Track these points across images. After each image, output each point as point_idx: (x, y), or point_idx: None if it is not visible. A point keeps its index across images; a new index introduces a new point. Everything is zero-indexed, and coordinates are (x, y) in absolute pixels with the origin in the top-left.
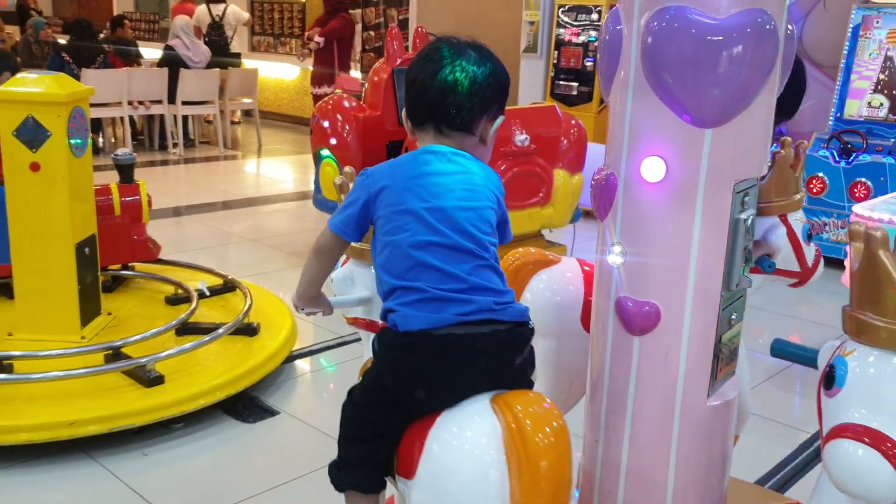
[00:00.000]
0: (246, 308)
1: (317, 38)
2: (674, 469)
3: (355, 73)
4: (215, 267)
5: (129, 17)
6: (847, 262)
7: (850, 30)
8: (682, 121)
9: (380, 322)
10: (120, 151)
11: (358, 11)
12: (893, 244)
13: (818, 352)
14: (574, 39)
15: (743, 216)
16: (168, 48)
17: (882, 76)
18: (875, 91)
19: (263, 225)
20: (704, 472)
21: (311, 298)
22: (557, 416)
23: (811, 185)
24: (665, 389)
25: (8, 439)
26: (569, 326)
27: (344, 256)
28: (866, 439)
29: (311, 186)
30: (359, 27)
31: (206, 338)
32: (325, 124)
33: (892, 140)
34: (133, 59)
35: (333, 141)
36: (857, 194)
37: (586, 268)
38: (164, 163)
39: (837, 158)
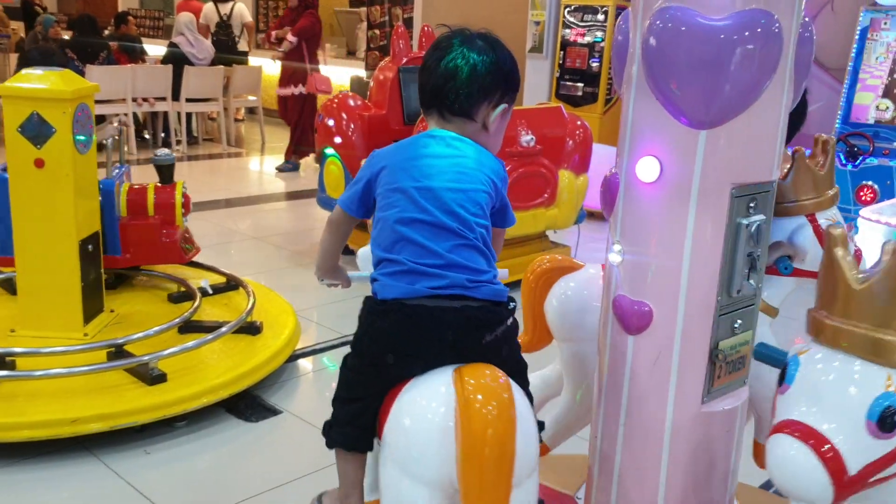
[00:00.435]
0: (249, 307)
1: (290, 38)
2: (665, 472)
3: (325, 69)
4: (218, 265)
5: (134, 14)
6: None
7: (857, 32)
8: (677, 121)
9: None
10: (160, 152)
11: (363, 10)
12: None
13: (787, 354)
14: (580, 40)
15: (746, 221)
16: (172, 45)
17: (890, 79)
18: (884, 95)
19: (266, 223)
20: (699, 478)
21: (329, 270)
22: (506, 391)
23: None
24: (657, 391)
25: (10, 436)
26: (591, 331)
27: None
28: (800, 435)
29: (315, 185)
30: (364, 25)
31: (209, 336)
32: (330, 123)
33: None
34: (137, 56)
35: (338, 140)
36: (863, 197)
37: None
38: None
39: (844, 161)
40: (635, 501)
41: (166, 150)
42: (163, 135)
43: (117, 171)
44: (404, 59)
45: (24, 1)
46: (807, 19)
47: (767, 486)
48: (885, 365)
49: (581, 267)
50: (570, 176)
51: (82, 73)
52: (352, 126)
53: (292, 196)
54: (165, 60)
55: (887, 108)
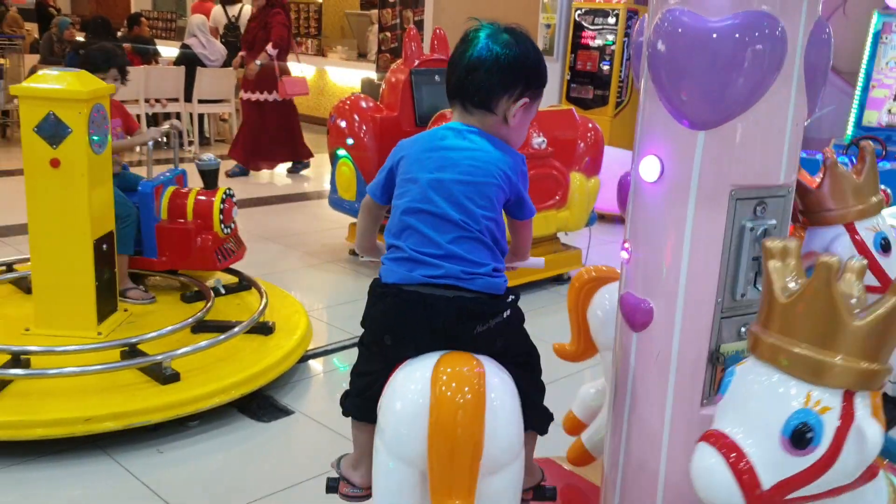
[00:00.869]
0: (261, 307)
1: (269, 51)
2: (664, 472)
3: (298, 67)
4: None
5: (147, 16)
6: None
7: (870, 36)
8: (677, 122)
9: None
10: (204, 156)
11: (374, 12)
12: None
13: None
14: (590, 43)
15: (751, 225)
16: (184, 47)
17: None
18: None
19: (278, 224)
20: None
21: (367, 249)
22: (477, 381)
23: None
24: (657, 390)
25: (23, 434)
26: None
27: None
28: (719, 446)
29: (326, 186)
30: (374, 28)
31: (222, 336)
32: (343, 124)
33: None
34: (150, 58)
35: (350, 141)
36: None
37: None
38: (180, 160)
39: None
40: (635, 500)
41: (211, 156)
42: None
43: (169, 173)
44: (416, 62)
45: (38, 2)
46: (822, 21)
47: None
48: (807, 381)
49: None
50: (581, 178)
51: None
52: (364, 128)
53: (304, 197)
54: (178, 62)
55: None
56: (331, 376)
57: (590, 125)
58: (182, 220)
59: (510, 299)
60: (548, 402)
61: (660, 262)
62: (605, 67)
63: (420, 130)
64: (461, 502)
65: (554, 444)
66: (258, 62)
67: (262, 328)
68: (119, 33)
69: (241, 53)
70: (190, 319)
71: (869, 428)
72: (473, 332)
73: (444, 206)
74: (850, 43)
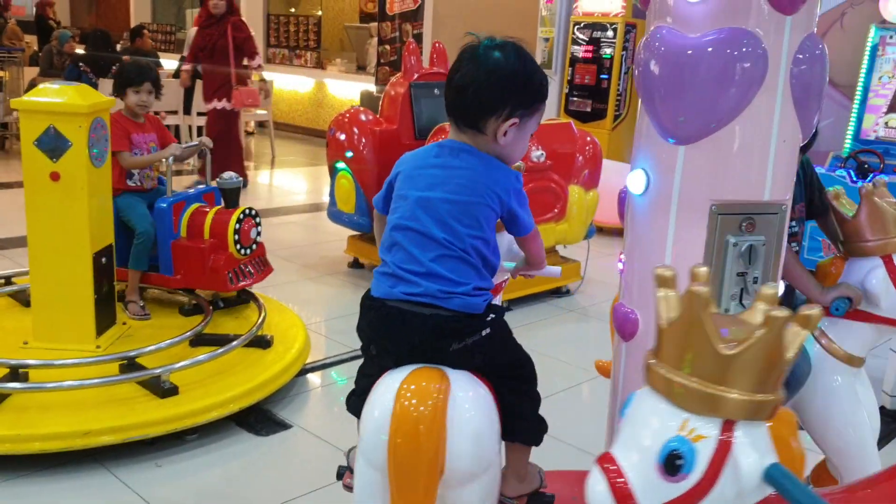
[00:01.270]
0: (259, 320)
1: (254, 64)
2: None
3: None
4: None
5: (147, 28)
6: None
7: (867, 49)
8: (661, 136)
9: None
10: (226, 175)
11: (374, 25)
12: None
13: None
14: (588, 56)
15: (734, 240)
16: (184, 59)
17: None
18: (890, 111)
19: (276, 237)
20: None
21: None
22: (436, 396)
23: None
24: None
25: (21, 448)
26: None
27: None
28: (605, 469)
29: (325, 198)
30: (374, 41)
31: (220, 350)
32: (342, 137)
33: None
34: None
35: (349, 154)
36: None
37: None
38: (178, 173)
39: (854, 178)
40: None
41: (233, 174)
42: None
43: (195, 190)
44: (416, 75)
45: (38, 15)
46: (814, 37)
47: None
48: (685, 410)
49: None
50: (579, 191)
51: (96, 87)
52: (363, 140)
53: (302, 210)
54: (177, 74)
55: None
56: (329, 390)
57: (588, 138)
58: (199, 239)
59: (490, 318)
60: (545, 415)
61: (645, 274)
62: (604, 81)
63: (419, 143)
64: None
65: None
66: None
67: (261, 342)
68: (119, 46)
69: (184, 68)
70: (188, 333)
71: (744, 460)
72: (449, 349)
73: (428, 225)
74: (848, 56)
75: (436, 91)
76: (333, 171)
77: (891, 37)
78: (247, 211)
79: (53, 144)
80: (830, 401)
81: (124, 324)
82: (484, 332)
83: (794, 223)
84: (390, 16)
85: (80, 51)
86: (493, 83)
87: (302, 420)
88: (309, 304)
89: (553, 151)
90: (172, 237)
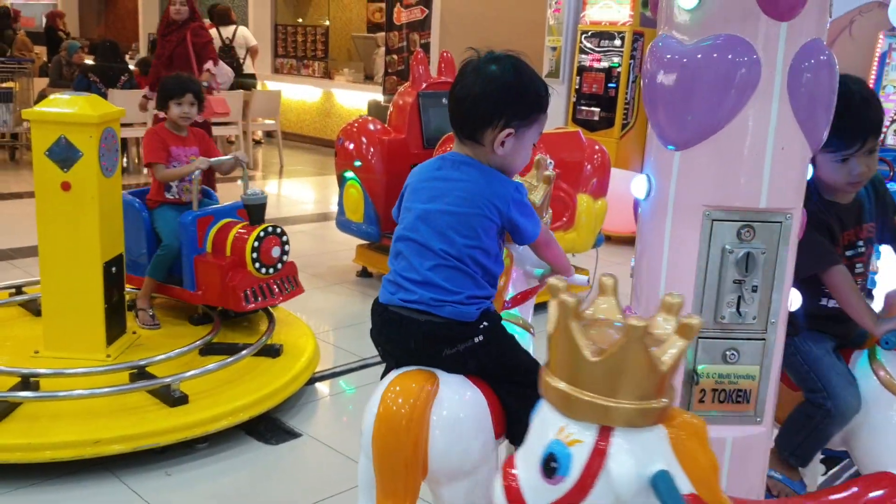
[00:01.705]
0: (269, 329)
1: (213, 69)
2: None
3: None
4: None
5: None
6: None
7: (877, 57)
8: (660, 142)
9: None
10: (251, 191)
11: (381, 35)
12: None
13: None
14: (596, 65)
15: (730, 247)
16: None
17: None
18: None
19: None
20: None
21: None
22: (419, 397)
23: None
24: None
25: (32, 457)
26: None
27: None
28: (505, 473)
29: (333, 207)
30: (381, 50)
31: (230, 359)
32: (350, 146)
33: None
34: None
35: (358, 163)
36: None
37: None
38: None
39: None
40: None
41: (258, 190)
42: None
43: (228, 206)
44: (424, 85)
45: (48, 26)
46: (818, 43)
47: None
48: (565, 415)
49: None
50: (588, 200)
51: (106, 97)
52: (371, 150)
53: (311, 219)
54: None
55: None
56: (338, 399)
57: (596, 147)
58: (221, 256)
59: (483, 326)
60: None
61: (647, 277)
62: (612, 90)
63: (428, 153)
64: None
65: None
66: (204, 84)
67: (270, 351)
68: (128, 56)
69: (145, 89)
70: (198, 342)
71: (616, 466)
72: (442, 354)
73: (427, 236)
74: (857, 64)
75: (444, 100)
76: (342, 181)
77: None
78: (269, 229)
79: (64, 154)
80: (884, 437)
81: (134, 333)
82: (476, 339)
83: (861, 243)
84: (398, 25)
85: (89, 61)
86: (489, 94)
87: (311, 429)
88: (318, 314)
89: (561, 160)
90: (196, 252)
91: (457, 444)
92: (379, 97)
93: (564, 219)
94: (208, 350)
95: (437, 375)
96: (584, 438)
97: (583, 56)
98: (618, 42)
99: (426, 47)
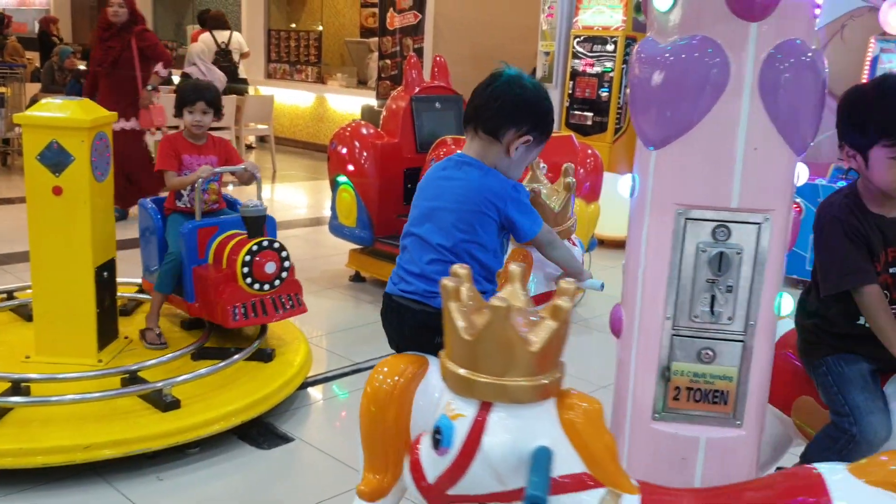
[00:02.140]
0: (261, 334)
1: (162, 72)
2: None
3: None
4: None
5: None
6: None
7: (868, 61)
8: (641, 142)
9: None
10: (249, 202)
11: (374, 40)
12: None
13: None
14: (589, 70)
15: (703, 246)
16: (185, 75)
17: None
18: None
19: None
20: None
21: None
22: (403, 375)
23: None
24: (623, 394)
25: (23, 462)
26: None
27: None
28: (414, 443)
29: (326, 212)
30: (374, 55)
31: (222, 363)
32: (343, 151)
33: None
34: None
35: (351, 167)
36: None
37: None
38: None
39: None
40: None
41: (256, 202)
42: None
43: (235, 218)
44: (417, 89)
45: (41, 31)
46: (794, 44)
47: None
48: (453, 391)
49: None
50: (581, 204)
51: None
52: (364, 154)
53: (304, 224)
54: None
55: None
56: (331, 403)
57: (589, 151)
58: (219, 268)
59: None
60: None
61: (630, 275)
62: (604, 94)
63: (421, 157)
64: (379, 477)
65: None
66: (149, 87)
67: (262, 355)
68: None
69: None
70: (190, 346)
71: (489, 440)
72: (434, 342)
73: (428, 231)
74: (849, 68)
75: (437, 105)
76: (335, 185)
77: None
78: (265, 243)
79: (56, 159)
80: None
81: (126, 338)
82: None
83: None
84: (391, 30)
85: (81, 66)
86: (522, 101)
87: (304, 433)
88: (310, 318)
89: (554, 164)
90: (195, 263)
91: None
92: (372, 102)
93: None
94: (200, 354)
95: (429, 360)
96: (466, 413)
97: (576, 61)
98: (610, 47)
99: (419, 52)
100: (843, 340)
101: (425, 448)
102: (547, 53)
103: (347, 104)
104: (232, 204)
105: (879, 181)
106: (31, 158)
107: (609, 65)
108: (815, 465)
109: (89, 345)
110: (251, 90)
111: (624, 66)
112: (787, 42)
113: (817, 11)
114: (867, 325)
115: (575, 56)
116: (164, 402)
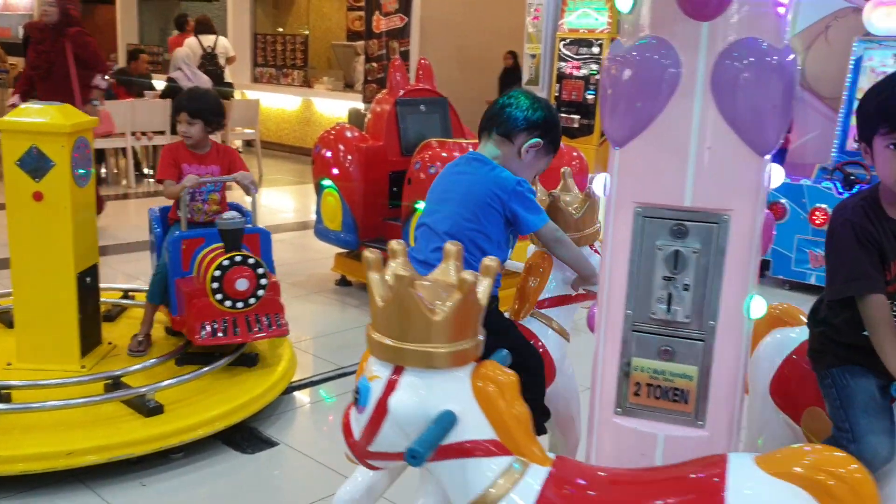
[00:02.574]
0: None
1: (101, 84)
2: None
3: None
4: None
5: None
6: None
7: (851, 62)
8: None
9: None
10: (226, 214)
11: (361, 43)
12: None
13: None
14: (575, 73)
15: (660, 244)
16: (170, 80)
17: None
18: None
19: None
20: None
21: None
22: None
23: (814, 217)
24: (594, 388)
25: (5, 469)
26: (757, 387)
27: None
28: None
29: (312, 216)
30: (361, 58)
31: (206, 368)
32: (328, 154)
33: None
34: (135, 91)
35: (335, 171)
36: None
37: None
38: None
39: (840, 189)
40: None
41: (235, 214)
42: None
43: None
44: (401, 92)
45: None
46: (751, 42)
47: None
48: (375, 356)
49: (792, 325)
50: None
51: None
52: (349, 157)
53: (290, 228)
54: (164, 95)
55: None
56: (316, 407)
57: (574, 154)
58: (198, 281)
59: None
60: None
61: (602, 273)
62: (590, 97)
63: (405, 160)
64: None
65: None
66: (94, 102)
67: (246, 360)
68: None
69: (14, 97)
70: (174, 351)
71: (395, 401)
72: None
73: (436, 220)
74: (833, 68)
75: (421, 107)
76: (319, 189)
77: (868, 50)
78: (238, 258)
79: (36, 164)
80: None
81: (110, 343)
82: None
83: None
84: (377, 34)
85: None
86: (538, 111)
87: (288, 438)
88: (296, 322)
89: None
90: (179, 274)
91: None
92: (359, 105)
93: None
94: (184, 359)
95: None
96: (381, 375)
97: (562, 63)
98: (596, 49)
99: (405, 55)
100: (849, 351)
101: (353, 409)
102: (533, 56)
103: (334, 108)
104: (240, 210)
105: (882, 175)
106: (10, 164)
107: (595, 67)
108: (732, 453)
109: (72, 351)
110: (237, 94)
111: None
112: (746, 41)
113: (781, 10)
114: None
115: (561, 59)
116: (147, 408)
